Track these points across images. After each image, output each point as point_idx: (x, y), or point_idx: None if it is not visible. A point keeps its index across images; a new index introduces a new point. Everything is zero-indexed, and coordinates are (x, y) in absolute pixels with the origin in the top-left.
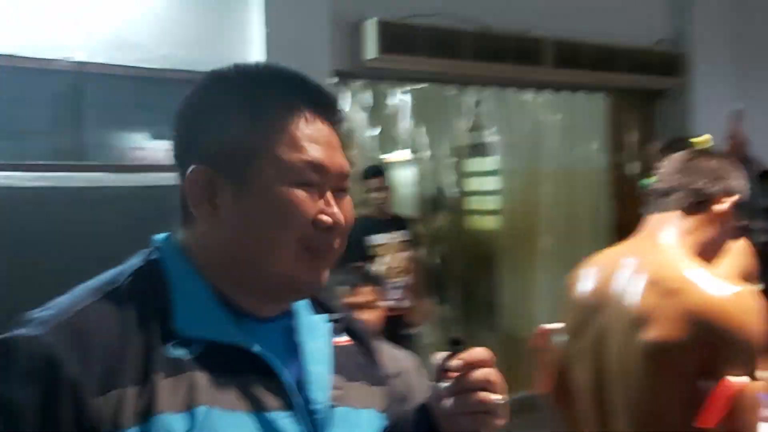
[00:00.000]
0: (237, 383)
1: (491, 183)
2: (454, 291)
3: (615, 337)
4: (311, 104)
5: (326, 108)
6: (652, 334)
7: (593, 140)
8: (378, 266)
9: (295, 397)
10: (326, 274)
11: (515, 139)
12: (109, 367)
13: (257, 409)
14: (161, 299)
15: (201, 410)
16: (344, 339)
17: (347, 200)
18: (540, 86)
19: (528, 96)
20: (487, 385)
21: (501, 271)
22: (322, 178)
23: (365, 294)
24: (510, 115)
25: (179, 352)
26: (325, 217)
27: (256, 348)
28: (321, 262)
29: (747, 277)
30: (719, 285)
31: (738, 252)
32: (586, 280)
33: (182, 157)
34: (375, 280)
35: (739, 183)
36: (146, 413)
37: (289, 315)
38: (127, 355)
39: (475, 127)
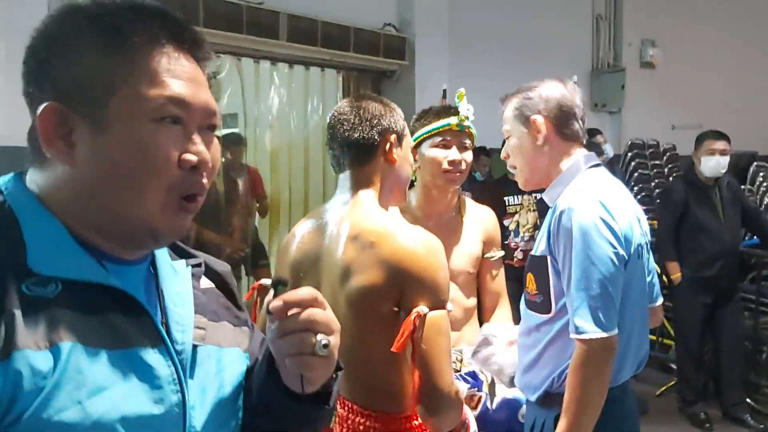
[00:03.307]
0: (101, 321)
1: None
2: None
3: (326, 289)
4: (174, 38)
5: (191, 43)
6: (353, 282)
7: (327, 115)
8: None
9: (162, 333)
10: (189, 222)
11: (254, 111)
12: None
13: (125, 345)
14: (11, 239)
15: (65, 346)
16: (206, 283)
17: (214, 140)
18: (275, 59)
19: (265, 68)
20: (309, 326)
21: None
22: (185, 114)
23: None
24: (247, 87)
25: (37, 291)
26: (189, 156)
27: (118, 284)
28: (189, 209)
29: (492, 245)
30: (407, 234)
31: (486, 221)
32: (301, 239)
33: (33, 93)
34: None
35: (391, 120)
36: (5, 350)
37: (149, 259)
38: None
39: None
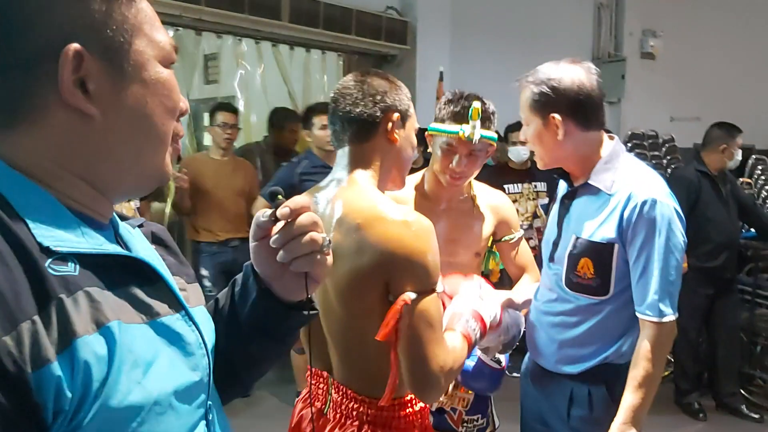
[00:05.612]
0: (126, 294)
1: None
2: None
3: None
4: None
5: None
6: (340, 267)
7: (327, 97)
8: None
9: (180, 298)
10: None
11: (254, 93)
12: (4, 298)
13: (154, 316)
14: (9, 215)
15: (113, 326)
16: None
17: None
18: (276, 40)
19: (266, 49)
20: (314, 227)
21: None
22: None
23: None
24: (248, 68)
25: (61, 270)
26: (183, 103)
27: (131, 253)
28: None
29: (509, 226)
30: (395, 216)
31: (499, 205)
32: None
33: (23, 32)
34: None
35: (396, 98)
36: (65, 339)
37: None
38: (16, 280)
39: (212, 80)
